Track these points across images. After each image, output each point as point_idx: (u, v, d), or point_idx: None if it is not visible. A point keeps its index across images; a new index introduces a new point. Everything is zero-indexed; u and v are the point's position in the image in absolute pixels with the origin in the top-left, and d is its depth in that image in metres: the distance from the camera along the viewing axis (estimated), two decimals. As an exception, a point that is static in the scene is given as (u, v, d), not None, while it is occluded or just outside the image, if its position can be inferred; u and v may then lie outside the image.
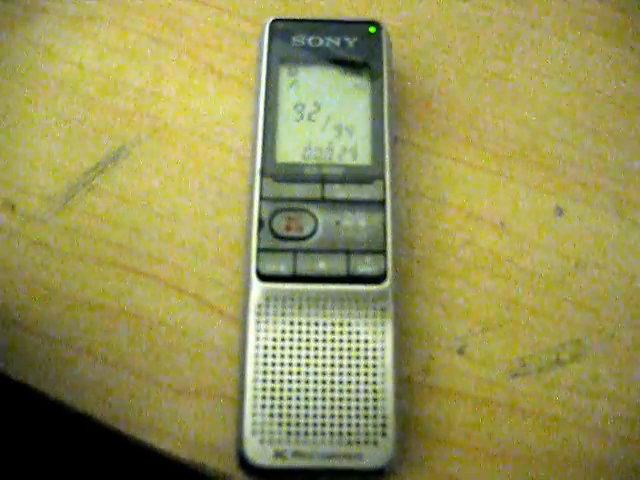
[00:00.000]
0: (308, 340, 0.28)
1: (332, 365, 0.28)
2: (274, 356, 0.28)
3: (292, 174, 0.30)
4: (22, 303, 0.31)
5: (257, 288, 0.29)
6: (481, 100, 0.35)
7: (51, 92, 0.35)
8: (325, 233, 0.29)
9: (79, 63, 0.36)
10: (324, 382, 0.27)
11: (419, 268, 0.32)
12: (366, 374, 0.28)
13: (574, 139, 0.35)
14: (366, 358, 0.28)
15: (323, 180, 0.30)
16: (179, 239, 0.32)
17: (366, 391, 0.27)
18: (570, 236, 0.32)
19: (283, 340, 0.28)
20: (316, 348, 0.28)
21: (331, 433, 0.27)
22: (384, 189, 0.30)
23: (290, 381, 0.27)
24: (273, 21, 0.33)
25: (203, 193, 0.33)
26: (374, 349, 0.28)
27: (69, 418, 0.29)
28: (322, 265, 0.29)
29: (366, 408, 0.27)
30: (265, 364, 0.28)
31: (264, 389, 0.27)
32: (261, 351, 0.28)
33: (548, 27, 0.37)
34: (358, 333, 0.28)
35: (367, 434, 0.27)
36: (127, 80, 0.35)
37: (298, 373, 0.28)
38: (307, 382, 0.27)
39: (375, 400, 0.27)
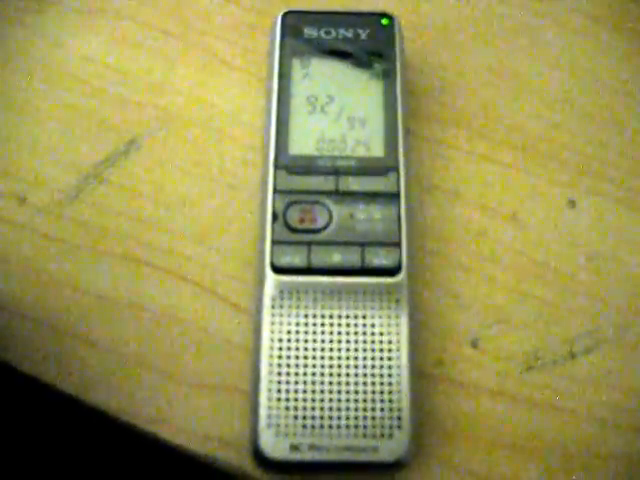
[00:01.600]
0: (323, 332, 0.28)
1: (347, 358, 0.28)
2: (289, 349, 0.28)
3: (306, 166, 0.30)
4: (33, 296, 0.30)
5: (271, 281, 0.28)
6: (494, 92, 0.35)
7: (62, 85, 0.35)
8: (339, 225, 0.29)
9: (89, 56, 0.36)
10: (339, 375, 0.27)
11: (432, 260, 0.31)
12: (381, 366, 0.28)
13: (586, 131, 0.35)
14: (381, 350, 0.28)
15: (337, 172, 0.30)
16: (191, 232, 0.32)
17: (381, 384, 0.27)
18: (582, 228, 0.32)
19: (298, 333, 0.28)
20: (331, 341, 0.28)
21: (346, 426, 0.27)
22: (398, 181, 0.30)
23: (305, 374, 0.27)
24: (285, 13, 0.33)
25: (215, 186, 0.33)
26: (389, 341, 0.28)
27: (82, 412, 0.29)
28: (336, 257, 0.29)
29: (381, 401, 0.27)
30: (280, 357, 0.28)
31: (279, 382, 0.27)
32: (276, 344, 0.28)
33: (559, 19, 0.37)
34: (373, 325, 0.28)
35: (383, 427, 0.27)
36: (138, 73, 0.35)
37: (313, 366, 0.27)
38: (322, 375, 0.27)
39: (390, 393, 0.27)
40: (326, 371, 0.27)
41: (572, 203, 0.33)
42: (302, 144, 0.31)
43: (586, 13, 0.37)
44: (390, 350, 0.28)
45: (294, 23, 0.33)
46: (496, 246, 0.32)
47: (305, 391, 0.27)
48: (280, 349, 0.28)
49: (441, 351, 0.30)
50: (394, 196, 0.30)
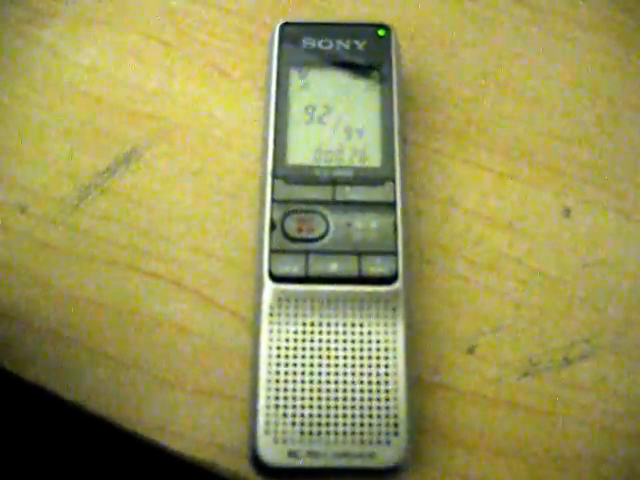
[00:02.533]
0: (320, 340, 0.28)
1: (344, 365, 0.28)
2: (287, 356, 0.28)
3: (303, 176, 0.31)
4: (34, 304, 0.31)
5: (269, 289, 0.29)
6: (490, 102, 0.36)
7: (62, 95, 0.35)
8: (336, 234, 0.30)
9: (90, 66, 0.36)
10: (336, 382, 0.28)
11: (429, 269, 0.32)
12: (378, 374, 0.28)
13: (581, 140, 0.35)
14: (378, 358, 0.28)
15: (334, 182, 0.30)
16: (191, 241, 0.32)
17: (378, 391, 0.28)
18: (578, 236, 0.33)
19: (295, 340, 0.28)
20: (328, 348, 0.28)
21: (344, 432, 0.27)
22: (394, 191, 0.30)
23: (303, 381, 0.28)
24: (283, 24, 0.34)
25: (214, 195, 0.33)
26: (386, 349, 0.28)
27: (81, 419, 0.29)
28: (334, 266, 0.29)
29: (378, 407, 0.27)
30: (278, 364, 0.28)
31: (277, 389, 0.27)
32: (274, 351, 0.28)
33: (555, 27, 0.38)
34: (370, 333, 0.28)
35: (380, 433, 0.27)
36: (137, 83, 0.36)
37: (311, 373, 0.28)
38: (320, 382, 0.28)
39: (387, 399, 0.27)
40: (323, 378, 0.28)
41: (567, 211, 0.33)
42: (300, 154, 0.31)
43: (581, 23, 0.38)
44: (387, 357, 0.28)
45: (292, 34, 0.33)
46: (492, 254, 0.32)
47: (303, 398, 0.27)
48: (278, 357, 0.28)
49: (438, 358, 0.30)
50: (391, 205, 0.30)
